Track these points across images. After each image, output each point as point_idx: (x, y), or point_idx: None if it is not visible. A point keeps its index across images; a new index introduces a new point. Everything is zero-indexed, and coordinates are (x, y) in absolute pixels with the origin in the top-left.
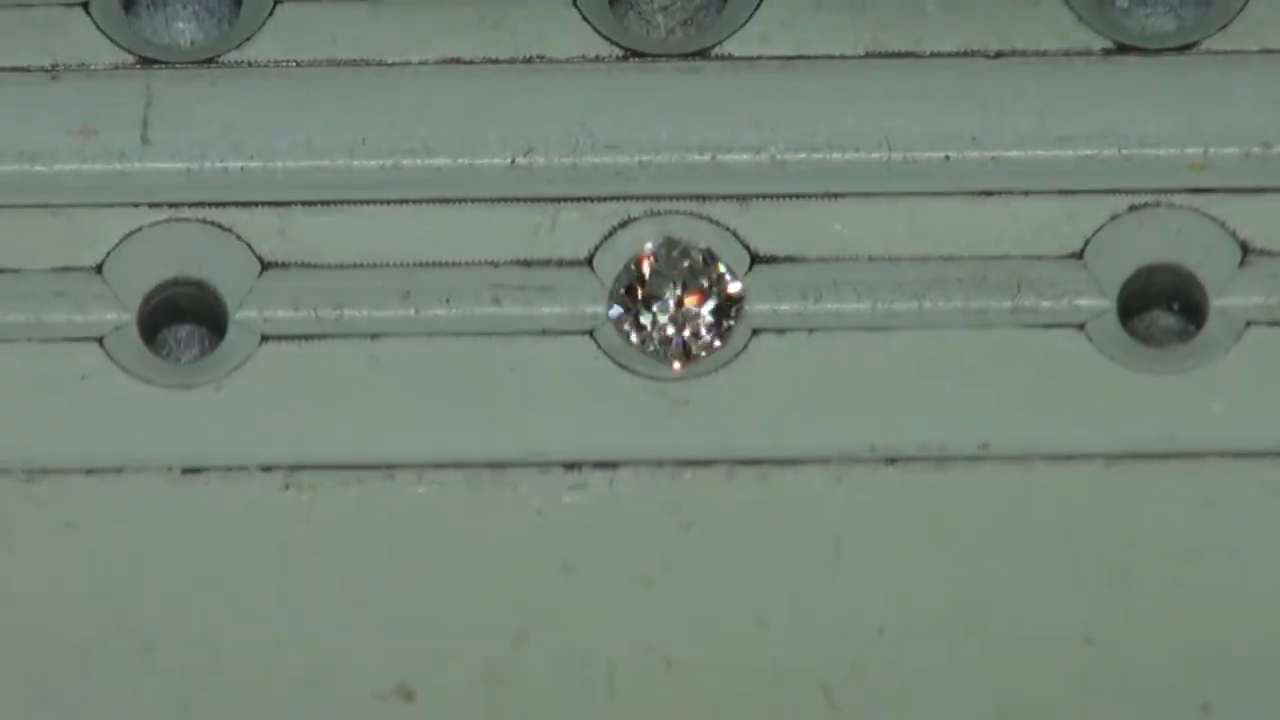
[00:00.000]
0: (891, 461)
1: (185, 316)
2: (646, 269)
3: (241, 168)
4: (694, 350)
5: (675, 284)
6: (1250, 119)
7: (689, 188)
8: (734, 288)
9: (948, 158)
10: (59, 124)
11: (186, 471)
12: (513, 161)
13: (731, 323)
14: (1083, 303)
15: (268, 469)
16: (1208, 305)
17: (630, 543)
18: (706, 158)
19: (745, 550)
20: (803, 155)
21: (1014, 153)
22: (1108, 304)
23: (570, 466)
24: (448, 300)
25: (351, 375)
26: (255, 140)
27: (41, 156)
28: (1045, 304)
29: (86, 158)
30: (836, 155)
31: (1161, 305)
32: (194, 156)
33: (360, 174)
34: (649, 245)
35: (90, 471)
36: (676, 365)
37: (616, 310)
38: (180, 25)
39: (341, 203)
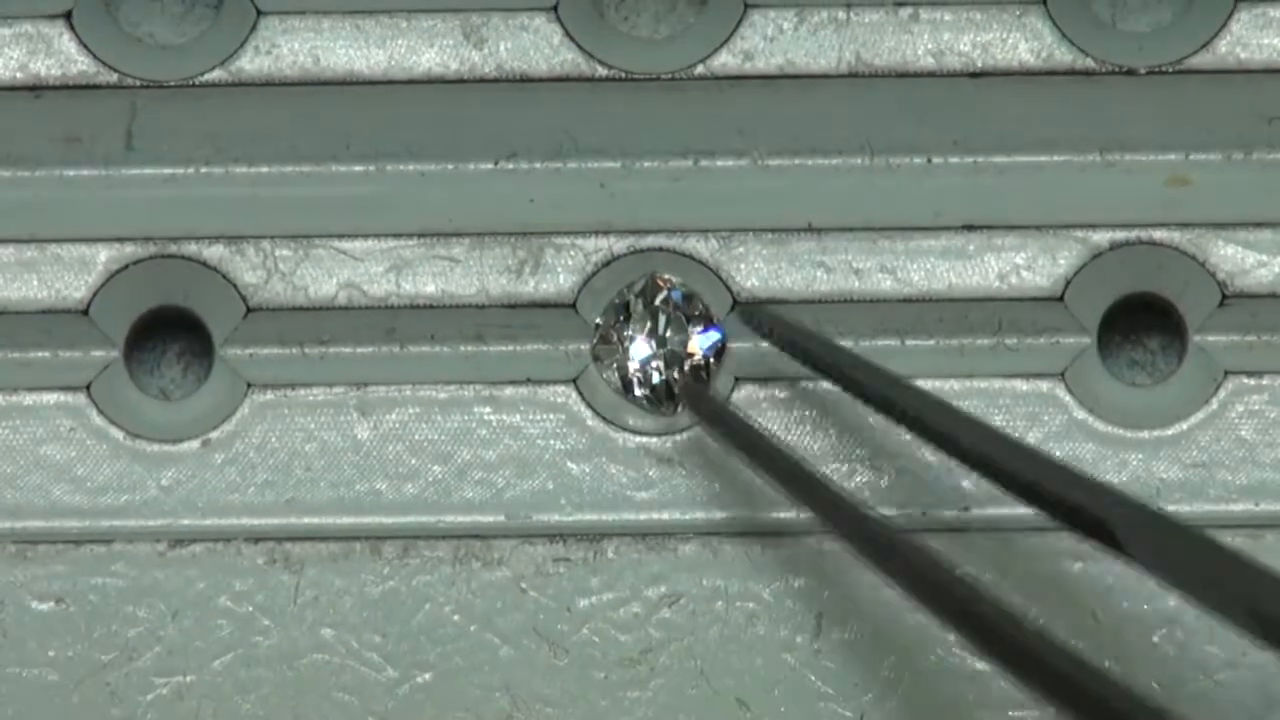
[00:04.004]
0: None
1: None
2: (630, 311)
3: (225, 172)
4: (678, 396)
5: (659, 326)
6: (1231, 131)
7: (672, 214)
8: (715, 332)
9: (929, 160)
10: (43, 135)
11: (174, 544)
12: (496, 164)
13: (715, 367)
14: (1064, 340)
15: (255, 540)
16: (1188, 340)
17: (616, 618)
18: (689, 163)
19: (727, 627)
20: (784, 160)
21: (997, 158)
22: (1089, 341)
23: (555, 538)
24: (432, 338)
25: (336, 433)
26: (238, 147)
27: (26, 162)
28: (1027, 341)
29: (71, 161)
30: (819, 160)
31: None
32: (179, 162)
33: (345, 179)
34: (632, 288)
35: (79, 543)
36: (661, 410)
37: (598, 353)
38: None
39: (327, 236)
